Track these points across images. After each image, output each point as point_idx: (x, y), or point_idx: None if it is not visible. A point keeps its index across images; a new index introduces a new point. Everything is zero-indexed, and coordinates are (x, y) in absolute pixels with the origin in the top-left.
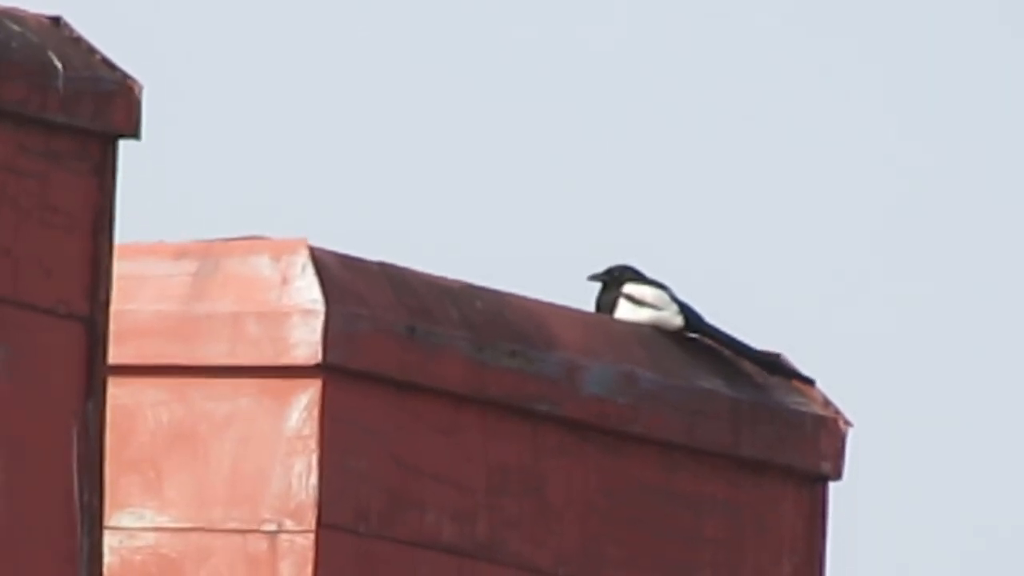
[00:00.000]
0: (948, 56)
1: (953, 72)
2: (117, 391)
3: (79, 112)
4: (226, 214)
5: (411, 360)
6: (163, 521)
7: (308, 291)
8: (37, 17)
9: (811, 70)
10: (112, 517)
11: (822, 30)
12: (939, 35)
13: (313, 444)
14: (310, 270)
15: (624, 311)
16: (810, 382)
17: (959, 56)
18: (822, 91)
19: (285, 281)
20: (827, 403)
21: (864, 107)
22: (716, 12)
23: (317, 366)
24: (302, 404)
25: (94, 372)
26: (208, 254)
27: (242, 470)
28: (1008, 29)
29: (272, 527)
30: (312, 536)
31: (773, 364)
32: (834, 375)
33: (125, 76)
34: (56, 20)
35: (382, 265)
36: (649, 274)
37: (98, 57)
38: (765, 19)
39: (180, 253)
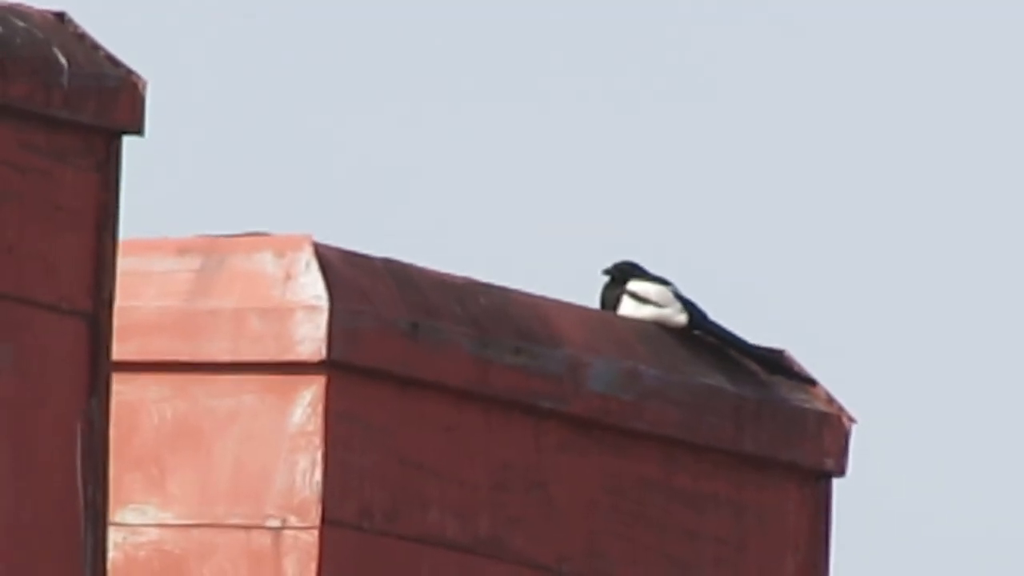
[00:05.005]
0: (947, 57)
1: (953, 73)
2: (121, 387)
3: (83, 108)
4: (230, 210)
5: (415, 356)
6: (167, 517)
7: (312, 287)
8: (42, 13)
9: (812, 69)
10: (116, 513)
11: (822, 29)
12: (937, 37)
13: (317, 440)
14: (314, 266)
15: (628, 308)
16: (811, 382)
17: (957, 57)
18: (823, 89)
19: (289, 277)
20: (831, 400)
21: (864, 105)
22: (715, 11)
23: (321, 362)
24: (306, 400)
25: (98, 369)
26: (212, 250)
27: (246, 466)
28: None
29: (276, 523)
30: (316, 532)
31: (775, 363)
32: (837, 371)
33: (129, 72)
34: (61, 16)
35: (386, 261)
36: (653, 271)
37: (102, 53)
38: (765, 17)
39: (184, 249)
